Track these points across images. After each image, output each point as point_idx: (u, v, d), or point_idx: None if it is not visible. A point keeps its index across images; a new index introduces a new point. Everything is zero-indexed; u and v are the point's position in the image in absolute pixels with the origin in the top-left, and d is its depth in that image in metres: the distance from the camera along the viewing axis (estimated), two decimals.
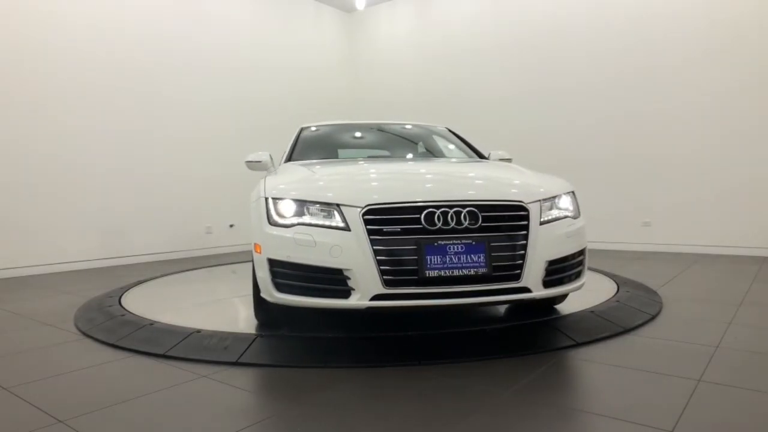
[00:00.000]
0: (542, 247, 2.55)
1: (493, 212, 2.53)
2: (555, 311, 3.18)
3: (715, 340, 2.74)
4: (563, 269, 2.68)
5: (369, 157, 4.11)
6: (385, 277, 2.40)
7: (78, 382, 2.35)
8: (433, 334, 2.78)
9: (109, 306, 3.60)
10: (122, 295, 4.05)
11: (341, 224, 2.49)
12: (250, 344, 2.71)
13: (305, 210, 2.60)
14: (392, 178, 3.03)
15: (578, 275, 2.82)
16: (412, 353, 2.55)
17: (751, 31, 5.96)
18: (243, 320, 3.27)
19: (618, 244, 6.83)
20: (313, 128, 4.41)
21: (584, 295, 3.66)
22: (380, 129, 4.50)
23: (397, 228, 2.45)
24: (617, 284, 4.02)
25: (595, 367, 2.38)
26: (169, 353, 2.67)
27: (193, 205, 6.98)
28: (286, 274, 2.58)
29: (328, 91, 9.03)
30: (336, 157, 4.00)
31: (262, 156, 3.78)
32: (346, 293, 2.46)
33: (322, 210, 2.57)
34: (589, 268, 4.86)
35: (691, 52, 6.32)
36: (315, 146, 4.11)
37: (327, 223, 2.53)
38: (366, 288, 2.42)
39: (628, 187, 6.77)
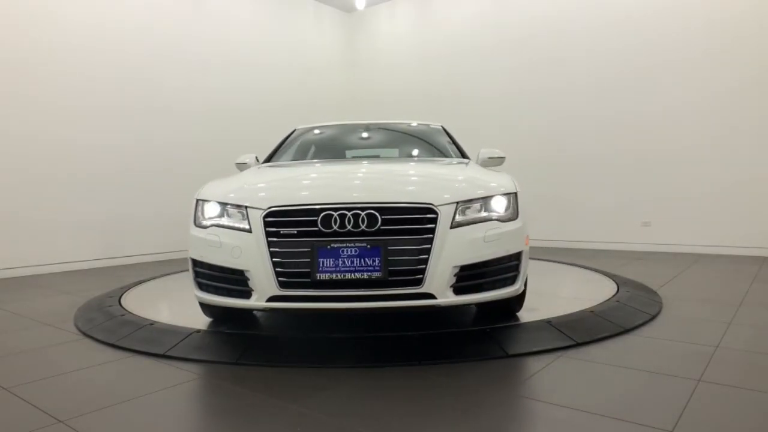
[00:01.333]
0: (451, 252, 2.43)
1: (395, 215, 2.45)
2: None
3: (715, 340, 2.74)
4: (482, 275, 2.54)
5: (342, 158, 4.09)
6: (279, 279, 2.44)
7: (78, 382, 2.35)
8: (433, 333, 2.78)
9: (109, 306, 3.60)
10: (122, 295, 4.04)
11: (246, 226, 2.55)
12: (250, 344, 2.71)
13: (224, 212, 2.70)
14: (320, 181, 2.99)
15: (509, 281, 2.66)
16: (412, 353, 2.55)
17: (752, 30, 5.96)
18: (244, 320, 3.27)
19: (618, 244, 6.83)
20: (303, 130, 4.48)
21: (584, 295, 3.67)
22: (368, 129, 4.44)
23: (294, 230, 2.47)
24: (617, 284, 4.02)
25: (595, 367, 2.38)
26: (169, 353, 2.66)
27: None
28: (203, 273, 2.72)
29: (328, 91, 9.03)
30: (316, 158, 4.05)
31: (248, 158, 3.91)
32: (247, 294, 2.53)
33: (237, 212, 2.64)
34: (590, 268, 4.90)
35: (691, 52, 6.32)
36: (297, 148, 4.20)
37: (234, 224, 2.61)
38: (263, 289, 2.47)
39: (628, 187, 6.77)
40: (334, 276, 2.40)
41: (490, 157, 3.71)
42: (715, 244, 6.20)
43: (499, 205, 2.70)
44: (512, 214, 2.71)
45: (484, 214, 2.62)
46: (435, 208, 2.47)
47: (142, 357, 2.67)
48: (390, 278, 2.40)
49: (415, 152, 4.11)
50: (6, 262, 5.42)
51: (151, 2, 6.66)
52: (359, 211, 2.44)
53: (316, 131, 4.51)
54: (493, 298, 2.62)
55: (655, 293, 3.88)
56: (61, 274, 5.61)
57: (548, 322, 2.91)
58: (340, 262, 2.40)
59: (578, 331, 2.81)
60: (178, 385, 2.25)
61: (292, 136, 4.41)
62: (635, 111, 6.69)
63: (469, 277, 2.51)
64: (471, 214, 2.58)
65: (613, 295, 3.61)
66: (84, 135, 6.01)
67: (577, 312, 3.13)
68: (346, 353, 2.63)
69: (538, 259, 5.65)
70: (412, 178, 3.01)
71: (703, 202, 6.27)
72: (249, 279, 2.51)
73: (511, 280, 2.67)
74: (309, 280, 2.42)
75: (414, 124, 4.48)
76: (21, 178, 5.55)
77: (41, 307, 3.91)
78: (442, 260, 2.42)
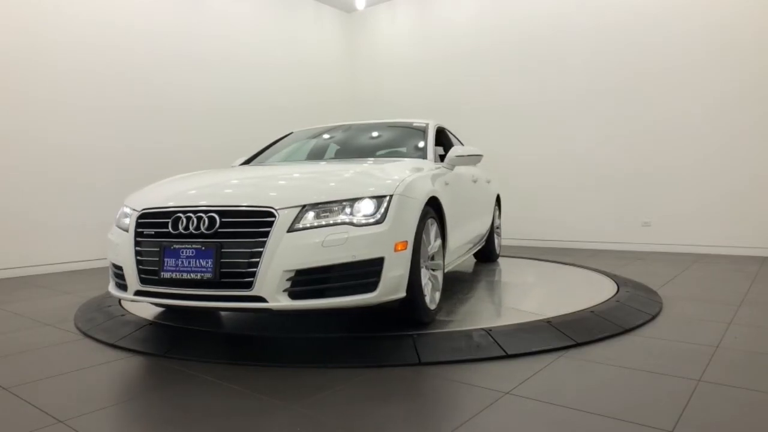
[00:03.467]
0: (283, 256, 2.40)
1: (234, 218, 2.52)
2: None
3: (715, 340, 2.74)
4: (324, 280, 2.46)
5: (319, 159, 4.15)
6: (141, 275, 2.65)
7: (78, 382, 2.35)
8: (433, 333, 2.78)
9: (109, 306, 3.60)
10: None
11: (126, 226, 2.82)
12: (249, 344, 2.71)
13: (123, 214, 2.96)
14: (195, 185, 3.03)
15: (366, 287, 2.51)
16: (412, 353, 2.55)
17: (750, 33, 5.96)
18: (246, 320, 3.27)
19: (618, 244, 6.83)
20: (296, 131, 4.61)
21: (584, 295, 3.67)
22: (349, 130, 4.40)
23: (152, 231, 2.67)
24: (617, 284, 4.02)
25: (595, 367, 2.38)
26: (168, 353, 2.67)
27: None
28: (110, 269, 3.00)
29: (328, 91, 9.03)
30: (290, 159, 4.17)
31: (240, 161, 4.14)
32: (125, 287, 2.77)
33: (125, 214, 2.92)
34: (590, 268, 4.90)
35: (690, 53, 6.32)
36: (280, 150, 4.31)
37: (122, 225, 2.88)
38: (132, 283, 2.70)
39: (628, 188, 6.77)
40: (174, 275, 2.53)
41: (458, 156, 3.64)
42: (715, 244, 6.20)
43: (365, 208, 2.58)
44: (379, 218, 2.56)
45: (341, 217, 2.52)
46: (274, 212, 2.48)
47: (142, 357, 2.67)
48: (221, 280, 2.45)
49: (381, 152, 4.04)
50: (6, 262, 5.42)
51: (150, 3, 6.66)
52: (202, 214, 2.56)
53: (302, 134, 4.58)
54: (345, 305, 2.51)
55: (655, 293, 3.88)
56: (61, 274, 5.61)
57: (548, 322, 2.91)
58: (179, 263, 2.53)
59: (578, 331, 2.81)
60: (177, 385, 2.25)
61: (285, 137, 4.54)
62: (636, 112, 6.69)
63: (307, 281, 2.45)
64: (322, 217, 2.52)
65: (613, 295, 3.61)
66: (84, 135, 6.01)
67: (577, 312, 3.13)
68: (346, 353, 2.63)
69: (539, 260, 5.66)
70: (295, 181, 2.97)
71: (703, 202, 6.28)
72: (124, 274, 2.75)
73: (371, 287, 2.51)
74: (157, 277, 2.59)
75: (400, 122, 4.39)
76: (21, 178, 5.54)
77: (41, 307, 3.91)
78: (273, 264, 2.40)
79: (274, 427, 1.84)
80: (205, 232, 2.51)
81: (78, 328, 3.25)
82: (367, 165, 3.24)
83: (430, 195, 2.98)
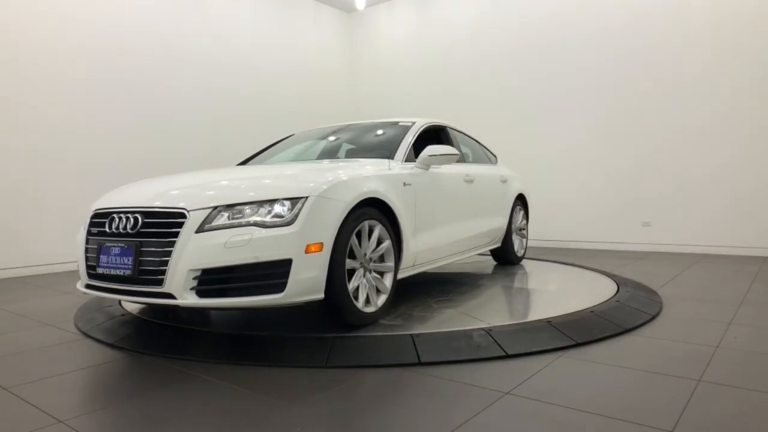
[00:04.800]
0: (189, 256, 2.49)
1: (153, 219, 2.67)
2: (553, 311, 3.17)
3: (715, 340, 2.74)
4: (227, 280, 2.51)
5: (311, 159, 4.17)
6: (88, 270, 2.89)
7: (78, 382, 2.35)
8: (433, 333, 2.78)
9: (109, 306, 3.60)
10: None
11: (86, 224, 3.02)
12: (249, 344, 2.71)
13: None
14: (142, 186, 3.17)
15: (273, 288, 2.52)
16: (412, 353, 2.55)
17: (752, 34, 5.96)
18: (246, 320, 3.27)
19: (618, 244, 6.83)
20: (297, 133, 4.65)
21: (584, 295, 3.67)
22: (340, 132, 4.40)
23: (96, 230, 2.89)
24: (617, 284, 4.02)
25: (595, 367, 2.38)
26: (168, 353, 2.66)
27: None
28: None
29: (328, 91, 9.03)
30: (283, 161, 4.18)
31: (237, 163, 4.33)
32: (79, 280, 3.02)
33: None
34: (590, 268, 4.90)
35: (691, 54, 6.32)
36: (278, 151, 4.37)
37: (85, 224, 3.05)
38: (82, 277, 2.96)
39: (628, 187, 6.77)
40: (105, 271, 2.75)
41: (430, 155, 3.60)
42: (715, 244, 6.21)
43: (277, 209, 2.61)
44: (290, 220, 2.57)
45: (253, 218, 2.56)
46: (186, 213, 2.58)
47: (142, 357, 2.67)
48: (140, 276, 2.60)
49: (359, 152, 4.01)
50: (6, 262, 5.43)
51: (149, 4, 6.66)
52: (129, 215, 2.75)
53: (302, 136, 4.60)
54: (252, 305, 2.56)
55: (655, 293, 3.88)
56: (61, 274, 5.61)
57: (548, 322, 2.91)
58: (109, 259, 2.74)
59: (578, 331, 2.81)
60: (177, 385, 2.25)
61: (287, 139, 4.58)
62: (636, 112, 6.69)
63: (213, 281, 2.52)
64: (234, 219, 2.57)
65: (613, 295, 3.61)
66: (83, 136, 6.01)
67: (577, 312, 3.13)
68: (346, 353, 2.63)
69: (539, 260, 5.66)
70: (225, 183, 2.98)
71: (703, 202, 6.28)
72: (79, 268, 2.99)
73: (278, 287, 2.53)
74: (95, 272, 2.82)
75: (386, 122, 4.32)
76: (21, 179, 5.54)
77: (41, 307, 3.91)
78: (180, 263, 2.50)
79: (274, 427, 1.84)
80: (130, 231, 2.70)
81: (78, 328, 3.25)
82: (314, 166, 3.26)
83: (367, 196, 2.93)
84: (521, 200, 5.36)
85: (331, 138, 4.39)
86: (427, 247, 3.58)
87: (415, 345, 2.62)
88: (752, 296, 3.83)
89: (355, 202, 2.83)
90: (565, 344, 2.66)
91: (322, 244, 2.64)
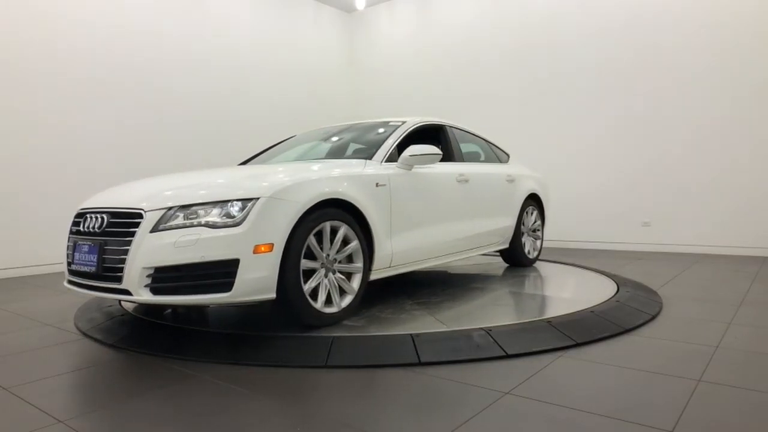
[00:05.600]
0: (143, 254, 2.60)
1: (116, 219, 2.80)
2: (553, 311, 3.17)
3: (715, 340, 2.74)
4: (178, 278, 2.59)
5: (308, 159, 4.16)
6: (68, 267, 3.04)
7: (78, 382, 2.35)
8: (433, 333, 2.77)
9: (109, 306, 3.60)
10: None
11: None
12: (249, 344, 2.71)
13: None
14: (120, 187, 3.30)
15: (221, 287, 2.57)
16: (412, 353, 2.55)
17: (753, 35, 5.96)
18: (246, 320, 3.27)
19: (618, 244, 6.83)
20: (298, 134, 4.67)
21: (584, 295, 3.67)
22: (336, 132, 4.39)
23: (75, 229, 3.04)
24: (617, 284, 4.02)
25: (595, 367, 2.38)
26: (168, 353, 2.66)
27: None
28: None
29: (328, 91, 9.03)
30: (279, 160, 4.22)
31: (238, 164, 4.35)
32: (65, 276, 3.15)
33: None
34: (590, 268, 4.90)
35: (691, 54, 6.32)
36: (277, 151, 4.40)
37: None
38: (66, 272, 3.09)
39: (627, 188, 6.77)
40: (76, 267, 2.91)
41: (411, 155, 3.55)
42: (715, 244, 6.21)
43: (229, 210, 2.65)
44: (239, 220, 2.61)
45: (205, 219, 2.63)
46: (143, 213, 2.68)
47: (142, 357, 2.67)
48: (102, 273, 2.74)
49: (348, 153, 4.03)
50: (6, 262, 5.42)
51: (149, 4, 6.66)
52: (98, 215, 2.89)
53: (303, 137, 4.61)
54: (201, 302, 2.64)
55: (655, 293, 3.88)
56: (60, 274, 5.60)
57: (548, 322, 2.91)
58: (80, 257, 2.89)
59: (578, 331, 2.81)
60: (177, 385, 2.25)
61: (287, 141, 4.60)
62: (635, 112, 6.69)
63: (165, 279, 2.61)
64: (188, 219, 2.64)
65: (613, 295, 3.61)
66: (84, 136, 6.01)
67: (577, 312, 3.13)
68: (346, 353, 2.63)
69: (539, 260, 5.65)
70: (188, 184, 2.99)
71: (703, 202, 6.28)
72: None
73: (225, 287, 2.58)
74: (70, 268, 2.98)
75: (377, 122, 4.30)
76: (21, 179, 5.55)
77: (41, 307, 3.91)
78: (136, 261, 2.61)
79: (274, 427, 1.84)
80: (96, 230, 2.84)
81: (78, 328, 3.25)
82: (281, 167, 3.25)
83: (328, 197, 2.91)
84: (535, 200, 5.20)
85: (334, 138, 4.36)
86: (406, 247, 3.51)
87: (415, 345, 2.62)
88: (752, 296, 3.83)
89: (313, 202, 2.82)
90: (565, 344, 2.66)
91: (272, 244, 2.66)
